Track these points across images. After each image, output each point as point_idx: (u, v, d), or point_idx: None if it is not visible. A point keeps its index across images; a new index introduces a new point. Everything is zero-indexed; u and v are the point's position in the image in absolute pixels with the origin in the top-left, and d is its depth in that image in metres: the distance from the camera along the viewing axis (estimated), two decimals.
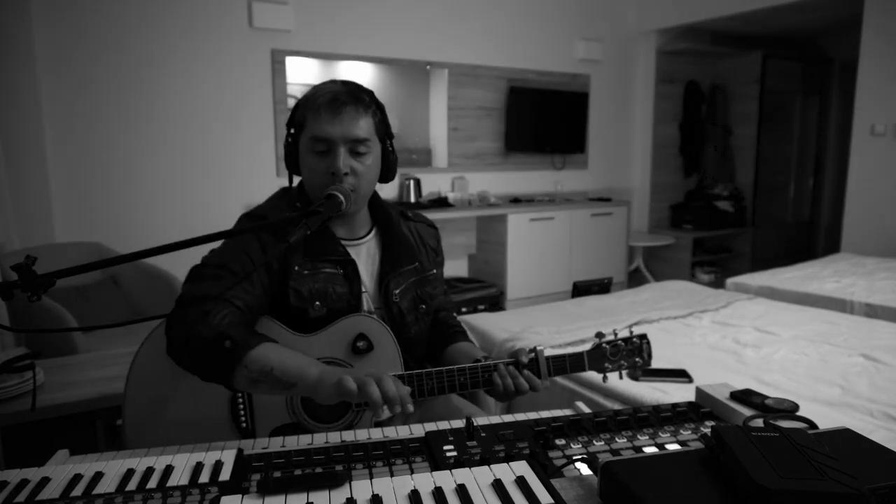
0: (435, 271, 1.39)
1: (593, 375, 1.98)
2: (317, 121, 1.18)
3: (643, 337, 1.28)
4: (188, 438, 1.09)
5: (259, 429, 1.17)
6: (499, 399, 1.21)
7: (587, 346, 1.27)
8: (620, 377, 1.28)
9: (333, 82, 1.24)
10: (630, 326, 1.30)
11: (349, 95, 1.19)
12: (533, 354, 1.21)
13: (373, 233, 1.33)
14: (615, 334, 1.26)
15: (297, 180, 1.32)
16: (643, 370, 1.98)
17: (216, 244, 1.20)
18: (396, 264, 1.29)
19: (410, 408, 0.92)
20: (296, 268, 1.20)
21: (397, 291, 1.28)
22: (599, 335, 1.25)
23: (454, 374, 1.17)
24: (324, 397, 0.96)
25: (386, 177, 1.31)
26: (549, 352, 1.23)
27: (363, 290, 1.27)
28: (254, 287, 1.17)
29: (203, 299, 1.09)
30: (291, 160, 1.27)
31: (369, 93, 1.25)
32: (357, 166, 1.20)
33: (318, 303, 1.20)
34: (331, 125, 1.17)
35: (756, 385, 1.89)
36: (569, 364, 1.23)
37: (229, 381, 1.04)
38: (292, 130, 1.25)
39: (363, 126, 1.20)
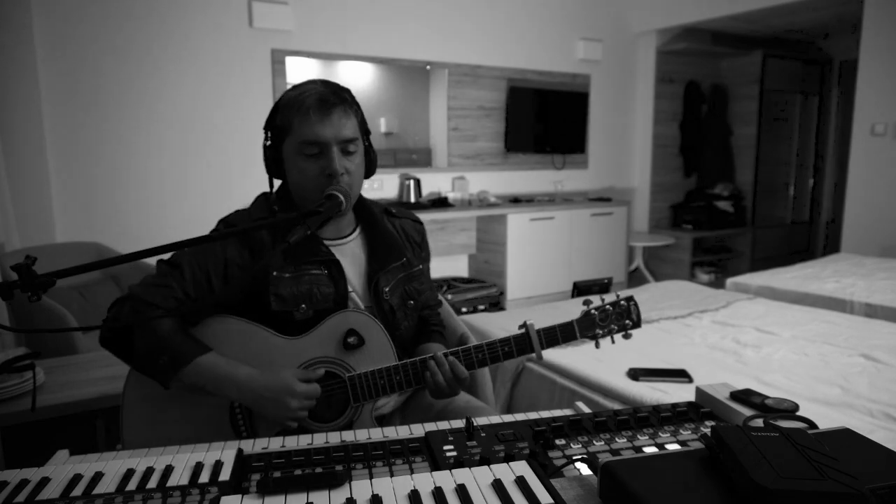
0: (421, 266, 1.38)
1: (592, 375, 1.98)
2: (306, 123, 1.16)
3: (630, 299, 1.27)
4: (187, 441, 1.09)
5: (260, 433, 1.17)
6: (435, 397, 1.21)
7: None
8: (612, 342, 1.27)
9: (313, 82, 1.22)
10: (617, 293, 1.30)
11: (335, 96, 1.18)
12: (524, 329, 1.21)
13: (357, 231, 1.32)
14: (602, 300, 1.26)
15: (277, 185, 1.30)
16: (643, 370, 1.99)
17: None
18: (384, 261, 1.29)
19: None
20: (274, 273, 1.19)
21: (387, 289, 1.28)
22: (587, 303, 1.24)
23: (459, 354, 1.18)
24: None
25: (368, 172, 1.30)
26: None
27: (350, 289, 1.26)
28: (198, 292, 1.18)
29: (141, 302, 1.14)
30: (273, 165, 1.25)
31: (349, 91, 1.25)
32: (349, 165, 1.20)
33: (303, 305, 1.20)
34: (321, 127, 1.16)
35: (756, 385, 1.89)
36: (560, 334, 1.23)
37: (166, 387, 1.13)
38: (270, 134, 1.23)
39: (351, 126, 1.20)
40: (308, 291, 1.20)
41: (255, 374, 1.12)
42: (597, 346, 1.27)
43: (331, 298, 1.22)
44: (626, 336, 1.27)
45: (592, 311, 1.24)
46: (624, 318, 1.26)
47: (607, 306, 1.25)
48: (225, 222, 1.26)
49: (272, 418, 1.12)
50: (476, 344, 1.21)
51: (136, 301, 1.14)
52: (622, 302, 1.26)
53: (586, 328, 1.24)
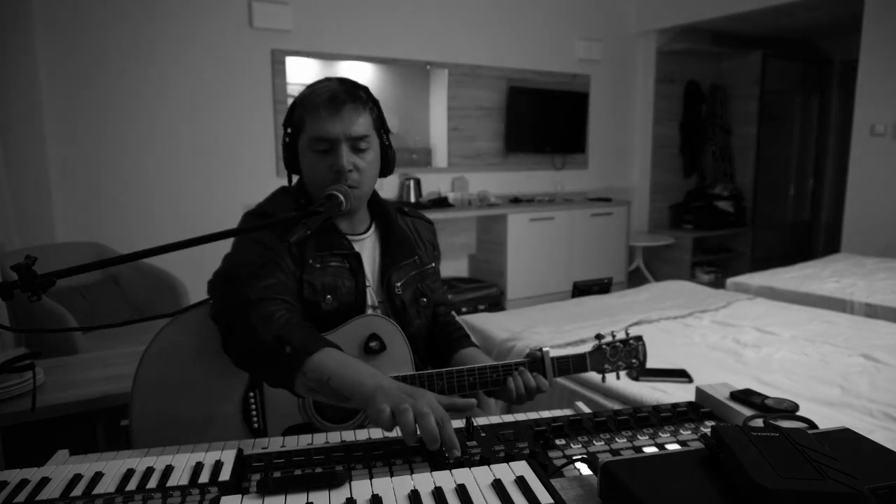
0: (433, 265, 1.41)
1: (593, 375, 1.98)
2: (317, 120, 1.19)
3: (639, 339, 1.33)
4: (198, 439, 1.10)
5: (271, 429, 1.18)
6: (508, 401, 1.22)
7: (587, 347, 1.30)
8: (618, 377, 1.33)
9: (329, 80, 1.24)
10: (627, 327, 1.36)
11: (347, 93, 1.20)
12: (539, 355, 1.24)
13: (372, 228, 1.35)
14: (613, 336, 1.31)
15: (295, 179, 1.33)
16: (642, 370, 1.99)
17: (216, 244, 1.19)
18: (397, 258, 1.31)
19: (457, 452, 0.82)
20: (309, 261, 1.22)
21: (399, 284, 1.30)
22: (599, 337, 1.29)
23: (464, 374, 1.19)
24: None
25: (385, 171, 1.32)
26: (552, 353, 1.25)
27: (367, 284, 1.28)
28: (287, 277, 1.17)
29: (257, 301, 1.08)
30: (290, 160, 1.28)
31: (365, 89, 1.26)
32: (359, 162, 1.21)
33: (329, 296, 1.22)
34: (331, 123, 1.18)
35: (756, 385, 1.89)
36: (572, 365, 1.27)
37: (291, 387, 1.01)
38: (289, 130, 1.26)
39: (362, 123, 1.21)
40: (333, 283, 1.23)
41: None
42: (603, 380, 1.33)
43: (352, 292, 1.24)
44: (631, 375, 1.32)
45: (604, 347, 1.30)
46: (631, 357, 1.32)
47: (618, 343, 1.31)
48: (254, 214, 1.26)
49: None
50: (492, 364, 1.22)
51: (246, 303, 1.08)
52: (632, 341, 1.32)
53: (597, 362, 1.29)
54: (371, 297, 1.29)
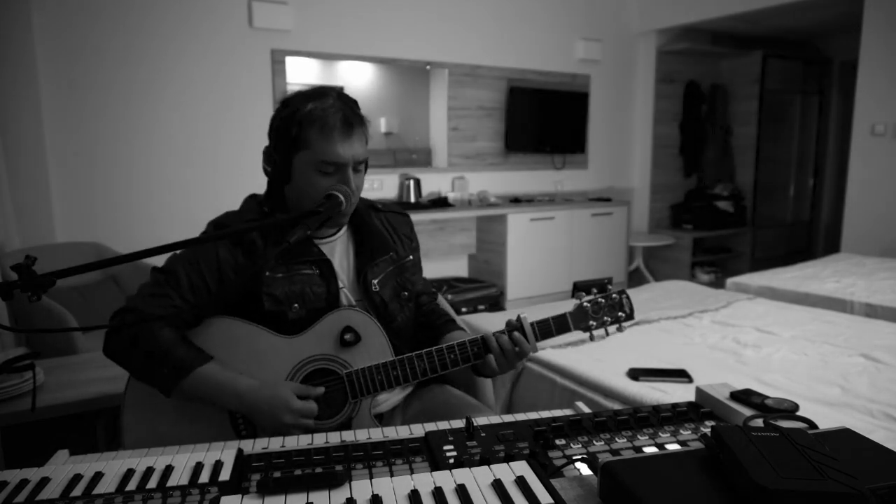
0: (412, 257, 1.41)
1: (592, 375, 1.98)
2: (329, 143, 1.17)
3: (622, 292, 1.29)
4: (187, 442, 1.10)
5: (259, 433, 1.18)
6: (492, 373, 1.23)
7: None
8: (606, 334, 1.28)
9: (329, 96, 1.21)
10: (608, 283, 1.32)
11: (354, 116, 1.21)
12: (517, 323, 1.23)
13: (344, 228, 1.34)
14: (594, 293, 1.28)
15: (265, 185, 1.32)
16: (643, 370, 1.99)
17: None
18: (372, 256, 1.31)
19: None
20: (267, 273, 1.20)
21: (376, 282, 1.29)
22: (579, 296, 1.27)
23: (444, 352, 1.20)
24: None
25: None
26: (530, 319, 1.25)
27: (340, 286, 1.28)
28: (196, 296, 1.19)
29: (141, 314, 1.15)
30: (278, 171, 1.24)
31: (358, 104, 1.27)
32: (358, 182, 1.24)
33: (296, 305, 1.21)
34: (342, 148, 1.18)
35: (756, 385, 1.89)
36: (553, 326, 1.25)
37: (167, 395, 1.15)
38: (279, 139, 1.22)
39: (364, 145, 1.23)
40: (300, 291, 1.22)
41: (254, 386, 1.14)
42: (591, 338, 1.28)
43: (323, 298, 1.24)
44: (620, 329, 1.28)
45: (585, 304, 1.26)
46: (617, 311, 1.27)
47: (599, 299, 1.27)
48: (216, 224, 1.27)
49: (267, 429, 1.14)
50: (472, 337, 1.23)
51: (136, 312, 1.15)
52: (614, 295, 1.28)
53: (579, 320, 1.26)
54: (347, 298, 1.28)
